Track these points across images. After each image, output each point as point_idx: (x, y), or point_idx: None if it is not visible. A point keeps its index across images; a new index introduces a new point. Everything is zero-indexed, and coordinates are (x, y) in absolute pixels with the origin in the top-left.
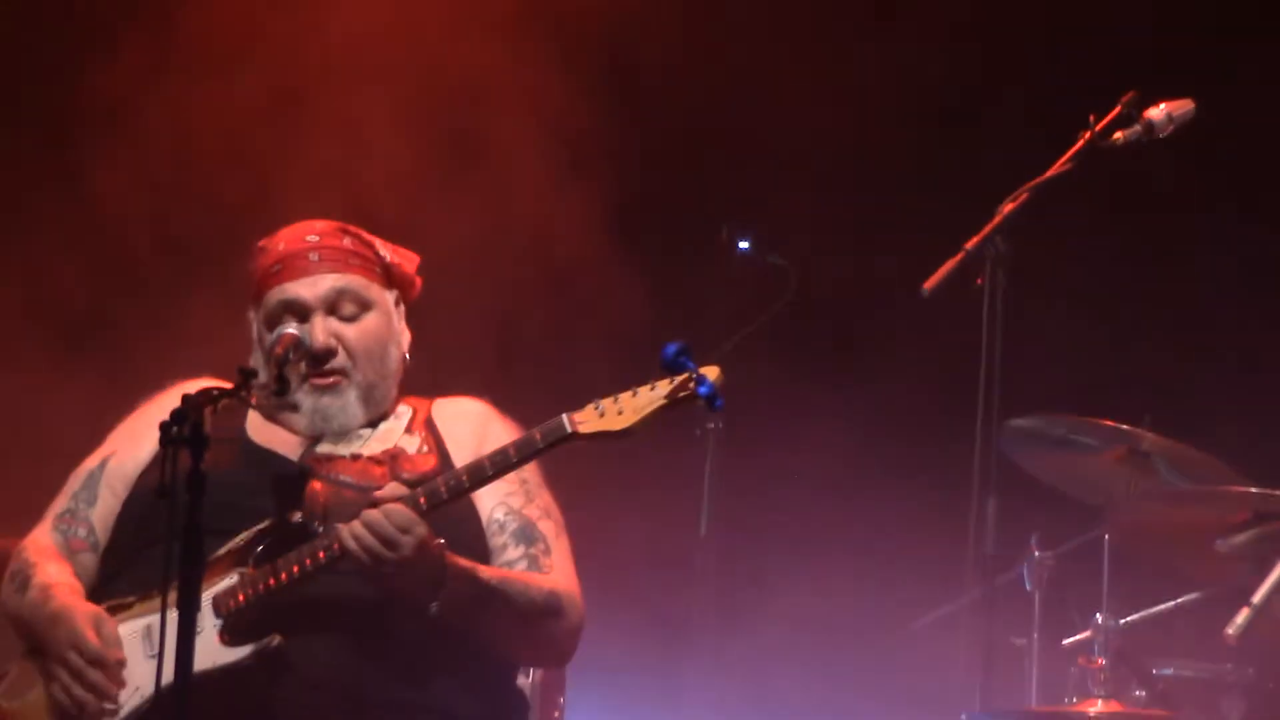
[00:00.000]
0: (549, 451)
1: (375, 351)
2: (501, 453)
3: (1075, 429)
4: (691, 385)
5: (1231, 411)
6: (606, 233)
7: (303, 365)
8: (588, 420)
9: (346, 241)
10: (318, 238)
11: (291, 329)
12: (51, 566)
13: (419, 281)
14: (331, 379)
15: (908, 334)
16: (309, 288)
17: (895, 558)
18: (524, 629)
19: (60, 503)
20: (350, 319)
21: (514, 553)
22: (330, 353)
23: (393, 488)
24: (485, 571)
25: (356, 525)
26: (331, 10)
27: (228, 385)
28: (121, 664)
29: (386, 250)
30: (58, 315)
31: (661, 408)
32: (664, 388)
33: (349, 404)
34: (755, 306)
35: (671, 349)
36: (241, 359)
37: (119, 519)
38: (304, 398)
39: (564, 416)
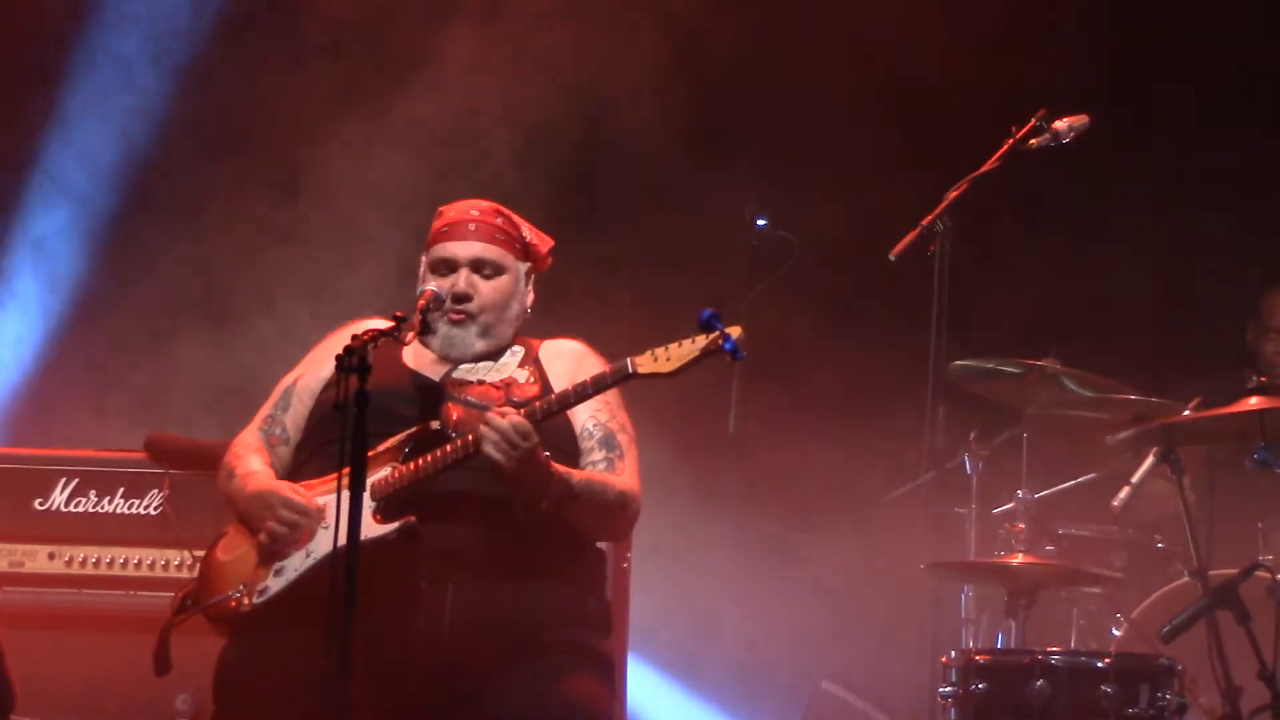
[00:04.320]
0: (617, 385)
1: (499, 303)
2: (582, 385)
3: (1001, 363)
4: (720, 341)
5: (1117, 342)
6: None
7: (446, 303)
8: (645, 363)
9: (498, 221)
10: (478, 213)
11: (432, 286)
12: (252, 459)
13: (549, 260)
14: (461, 316)
15: (882, 288)
16: (462, 249)
17: (872, 449)
18: (600, 517)
19: (265, 409)
20: (486, 277)
21: (598, 455)
22: (467, 297)
23: (506, 409)
24: (577, 475)
25: (488, 430)
26: None
27: (390, 324)
28: (321, 511)
29: (529, 232)
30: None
31: (697, 357)
32: (700, 342)
33: (470, 337)
34: (767, 268)
35: (706, 313)
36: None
37: (307, 423)
38: (441, 326)
39: (628, 360)
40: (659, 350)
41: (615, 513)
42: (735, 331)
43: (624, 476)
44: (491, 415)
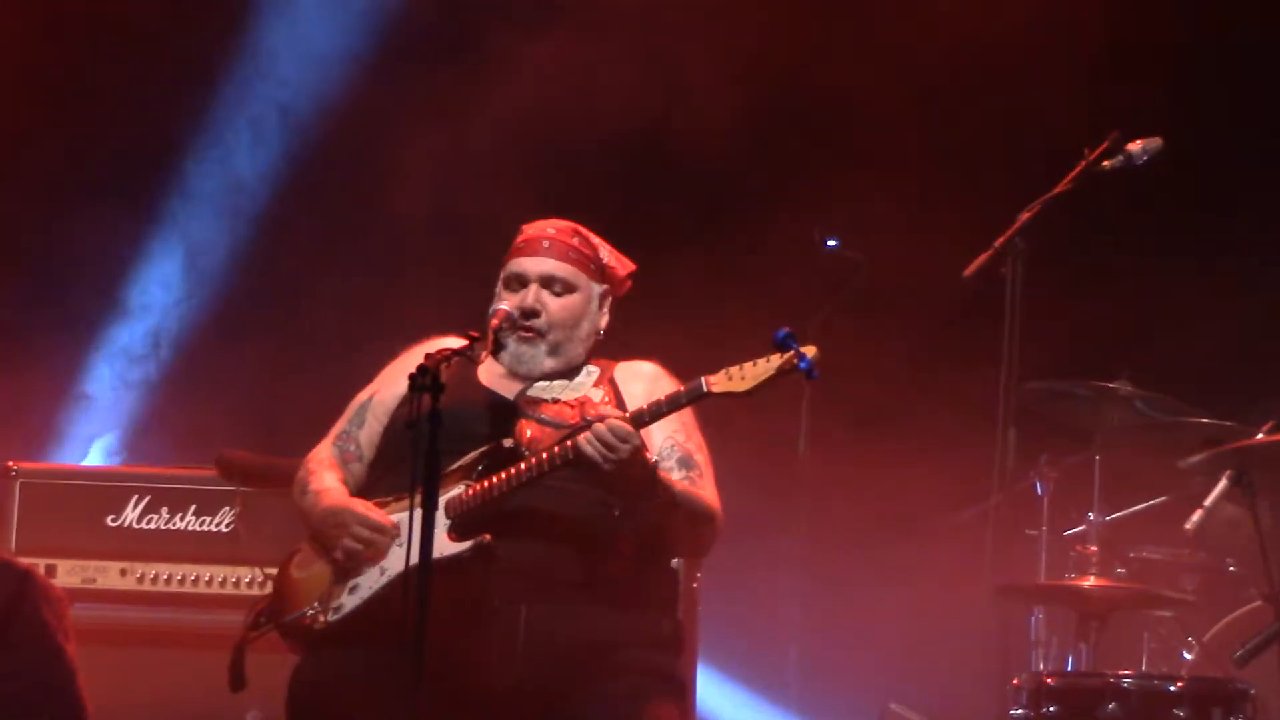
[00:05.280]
0: (692, 404)
1: (568, 322)
2: (656, 404)
3: (1073, 385)
4: (795, 361)
5: (1189, 363)
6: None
7: (516, 315)
8: (720, 382)
9: (574, 240)
10: (554, 231)
11: (504, 306)
12: (326, 475)
13: (628, 284)
14: (530, 333)
15: (955, 309)
16: (533, 265)
17: (944, 472)
18: (692, 529)
19: (339, 425)
20: (556, 294)
21: (677, 474)
22: (534, 313)
23: (610, 411)
24: (676, 484)
25: (588, 434)
26: None
27: (464, 341)
28: (395, 528)
29: (608, 254)
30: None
31: (772, 377)
32: (775, 361)
33: (539, 354)
34: (837, 287)
35: (781, 333)
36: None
37: (381, 440)
38: (510, 343)
39: (703, 379)
40: (733, 369)
41: (704, 526)
42: (810, 351)
43: (707, 493)
44: (594, 421)
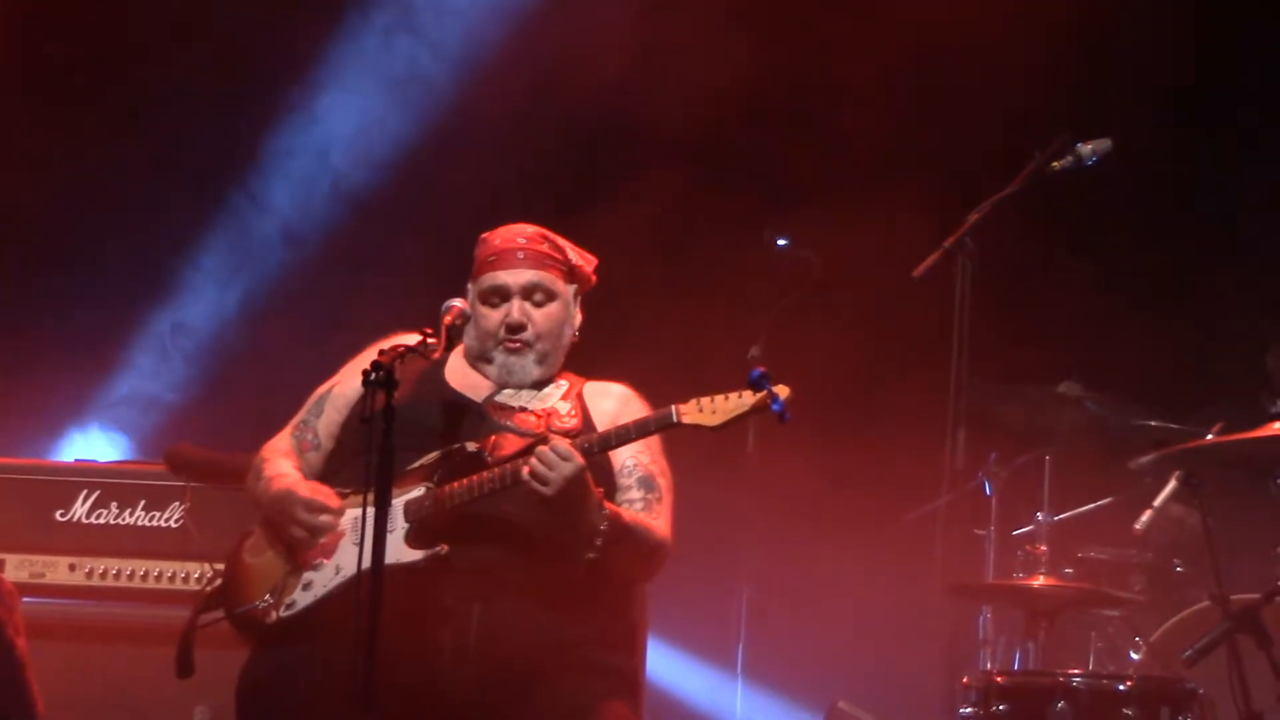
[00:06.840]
0: (659, 431)
1: (553, 330)
2: (624, 428)
3: (1023, 385)
4: (768, 402)
5: (1138, 363)
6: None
7: (502, 332)
8: (689, 413)
9: (545, 246)
10: (525, 240)
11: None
12: (281, 462)
13: (594, 278)
14: (519, 345)
15: (905, 308)
16: (513, 277)
17: (893, 471)
18: (637, 560)
19: (299, 415)
20: (539, 304)
21: (635, 494)
22: (522, 327)
23: (553, 435)
24: (626, 515)
25: (531, 457)
26: None
27: (419, 338)
28: (340, 510)
29: (574, 254)
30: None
31: (744, 414)
32: (749, 398)
33: (528, 364)
34: (788, 286)
35: (756, 373)
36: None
37: (340, 432)
38: (498, 355)
39: (673, 408)
40: (704, 400)
41: (650, 557)
42: (784, 392)
43: (660, 522)
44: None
